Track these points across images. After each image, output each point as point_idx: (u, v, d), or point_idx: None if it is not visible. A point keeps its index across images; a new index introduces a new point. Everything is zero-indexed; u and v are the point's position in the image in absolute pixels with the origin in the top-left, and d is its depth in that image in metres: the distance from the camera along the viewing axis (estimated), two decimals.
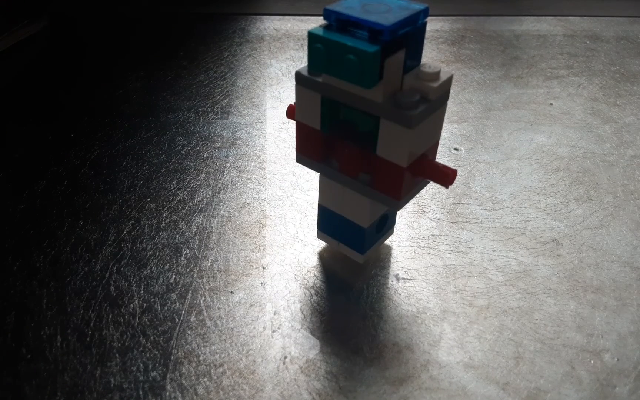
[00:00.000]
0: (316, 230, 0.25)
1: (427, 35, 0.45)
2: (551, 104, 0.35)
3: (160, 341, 0.20)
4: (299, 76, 0.19)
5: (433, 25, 0.47)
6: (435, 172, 0.19)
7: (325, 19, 0.17)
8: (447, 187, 0.19)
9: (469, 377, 0.19)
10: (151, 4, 0.48)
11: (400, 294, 0.22)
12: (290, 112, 0.22)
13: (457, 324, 0.21)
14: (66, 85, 0.37)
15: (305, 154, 0.21)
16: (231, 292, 0.22)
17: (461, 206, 0.27)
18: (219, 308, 0.21)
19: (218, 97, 0.37)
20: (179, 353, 0.19)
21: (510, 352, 0.20)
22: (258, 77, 0.39)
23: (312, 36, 0.17)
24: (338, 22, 0.17)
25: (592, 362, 0.20)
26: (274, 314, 0.21)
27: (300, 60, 0.40)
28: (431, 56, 0.42)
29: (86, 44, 0.43)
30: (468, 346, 0.20)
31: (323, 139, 0.20)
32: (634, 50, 0.42)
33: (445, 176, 0.19)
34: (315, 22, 0.46)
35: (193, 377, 0.19)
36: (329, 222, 0.23)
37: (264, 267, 0.23)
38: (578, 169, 0.29)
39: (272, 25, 0.45)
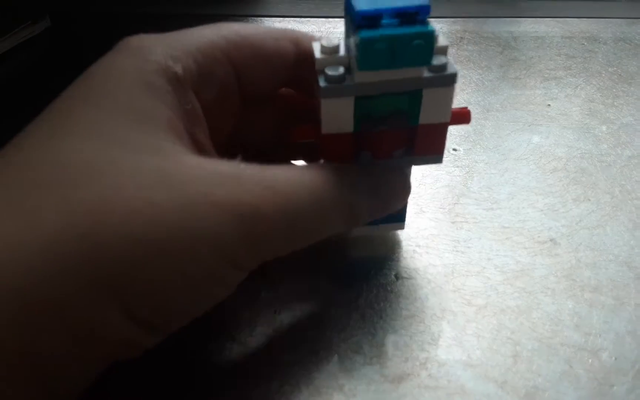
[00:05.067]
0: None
1: None
2: (549, 104, 0.35)
3: None
4: (327, 90, 0.18)
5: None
6: (458, 116, 0.21)
7: (358, 20, 0.17)
8: (469, 122, 0.21)
9: (467, 376, 0.19)
10: (152, 4, 0.49)
11: (399, 293, 0.22)
12: (303, 133, 0.20)
13: (456, 322, 0.21)
14: (68, 86, 0.37)
15: (335, 160, 0.20)
16: None
17: (460, 206, 0.27)
18: None
19: None
20: None
21: (509, 350, 0.20)
22: None
23: (369, 40, 0.16)
24: (369, 19, 0.17)
25: (590, 360, 0.20)
26: (275, 313, 0.21)
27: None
28: None
29: (88, 45, 0.43)
30: (466, 345, 0.20)
31: (353, 139, 0.19)
32: (632, 52, 0.42)
33: (465, 114, 0.21)
34: (316, 24, 0.46)
35: None
36: None
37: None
38: (576, 169, 0.30)
39: (272, 26, 0.45)
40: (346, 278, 0.23)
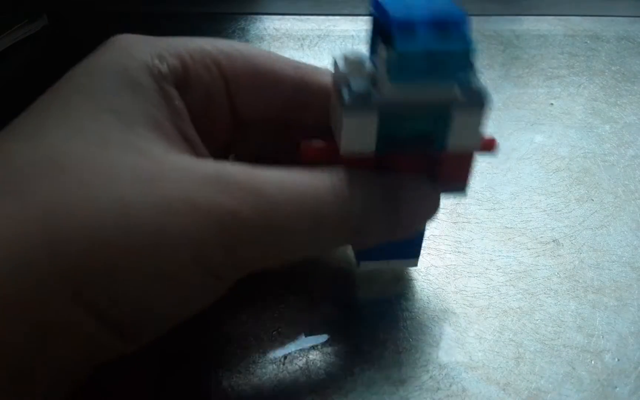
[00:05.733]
0: (353, 264, 0.23)
1: None
2: (552, 103, 0.35)
3: None
4: (351, 105, 0.16)
5: None
6: (483, 144, 0.19)
7: (392, 28, 0.15)
8: (494, 152, 0.19)
9: (469, 378, 0.19)
10: (152, 4, 0.48)
11: (400, 295, 0.22)
12: (315, 153, 0.18)
13: (458, 324, 0.21)
14: None
15: None
16: None
17: (461, 206, 0.27)
18: None
19: None
20: None
21: (511, 352, 0.20)
22: None
23: (405, 49, 0.15)
24: (404, 28, 0.15)
25: (593, 362, 0.20)
26: (274, 315, 0.21)
27: (300, 60, 0.40)
28: None
29: (86, 43, 0.42)
30: (468, 346, 0.20)
31: (375, 160, 0.17)
32: (635, 50, 0.42)
33: (490, 144, 0.19)
34: (316, 23, 0.46)
35: None
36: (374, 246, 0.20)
37: None
38: (579, 169, 0.29)
39: (272, 25, 0.45)
40: (346, 280, 0.23)
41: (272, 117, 0.20)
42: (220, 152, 0.19)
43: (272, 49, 0.42)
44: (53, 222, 0.12)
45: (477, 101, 0.17)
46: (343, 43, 0.41)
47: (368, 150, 0.17)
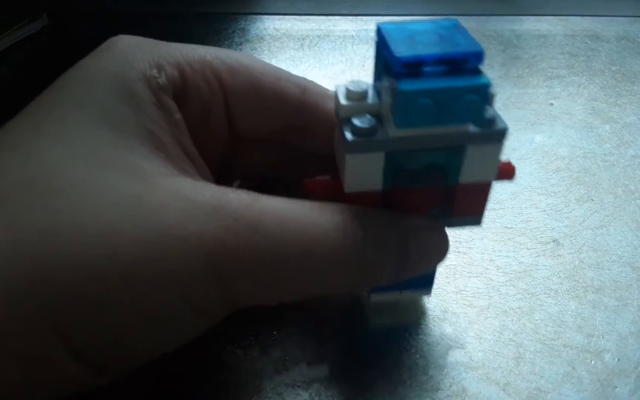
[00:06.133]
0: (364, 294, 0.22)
1: None
2: (552, 103, 0.35)
3: None
4: (354, 145, 0.15)
5: None
6: (501, 172, 0.17)
7: (397, 67, 0.14)
8: (512, 179, 0.18)
9: (469, 378, 0.19)
10: (151, 3, 0.48)
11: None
12: (320, 187, 0.17)
13: (458, 324, 0.21)
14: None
15: None
16: None
17: None
18: None
19: None
20: None
21: (511, 352, 0.20)
22: None
23: (411, 93, 0.13)
24: (410, 67, 0.14)
25: (593, 362, 0.20)
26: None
27: (300, 60, 0.40)
28: None
29: (86, 43, 0.43)
30: (468, 347, 0.20)
31: (382, 197, 0.16)
32: (635, 50, 0.42)
33: (509, 171, 0.18)
34: (316, 23, 0.46)
35: None
36: None
37: None
38: (579, 169, 0.29)
39: (272, 25, 0.45)
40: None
41: (273, 136, 0.19)
42: (217, 166, 0.19)
43: (272, 49, 0.42)
44: (39, 249, 0.12)
45: (494, 135, 0.15)
46: (343, 43, 0.41)
47: (374, 188, 0.16)
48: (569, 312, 0.21)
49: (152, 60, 0.16)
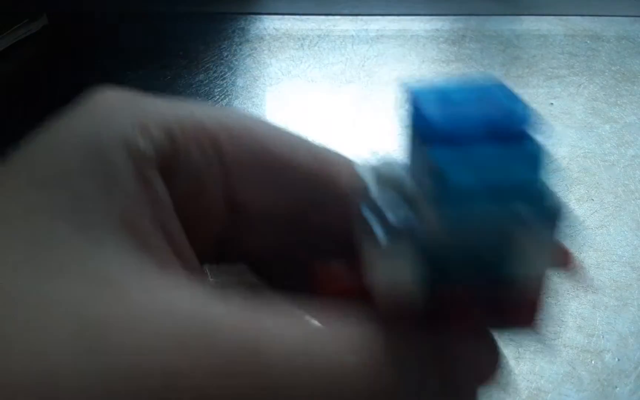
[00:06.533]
0: None
1: (427, 35, 0.45)
2: (552, 103, 0.35)
3: None
4: (388, 249, 0.11)
5: (433, 24, 0.47)
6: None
7: (430, 135, 0.11)
8: (571, 270, 0.12)
9: None
10: (151, 3, 0.48)
11: None
12: (334, 282, 0.13)
13: None
14: (65, 85, 0.37)
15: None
16: None
17: None
18: None
19: (218, 96, 0.37)
20: None
21: (511, 352, 0.20)
22: (258, 77, 0.39)
23: (464, 192, 0.10)
24: (448, 138, 0.11)
25: (593, 362, 0.20)
26: None
27: (300, 60, 0.40)
28: (431, 56, 0.42)
29: (85, 43, 0.43)
30: None
31: (418, 305, 0.12)
32: (635, 50, 0.42)
33: (569, 260, 0.14)
34: (316, 23, 0.46)
35: None
36: None
37: None
38: (579, 169, 0.29)
39: (272, 24, 0.45)
40: None
41: (282, 212, 0.15)
42: (211, 246, 0.15)
43: (272, 49, 0.42)
44: None
45: (549, 220, 0.11)
46: (343, 43, 0.41)
47: (406, 292, 0.12)
48: (569, 312, 0.21)
49: (136, 121, 0.13)
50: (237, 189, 0.15)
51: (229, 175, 0.14)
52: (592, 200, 0.27)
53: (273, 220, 0.16)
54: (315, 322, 0.11)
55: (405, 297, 0.12)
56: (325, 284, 0.13)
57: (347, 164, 0.15)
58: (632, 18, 0.46)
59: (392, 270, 0.11)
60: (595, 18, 0.46)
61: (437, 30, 0.45)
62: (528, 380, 0.19)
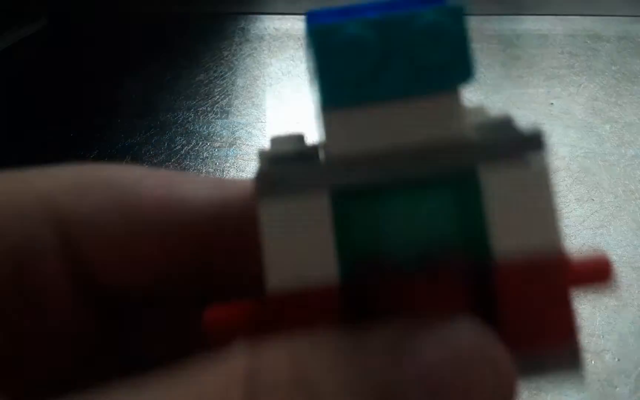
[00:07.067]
0: None
1: None
2: (552, 103, 0.35)
3: None
4: (268, 180, 0.08)
5: None
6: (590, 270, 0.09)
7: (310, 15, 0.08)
8: (608, 282, 0.08)
9: None
10: (151, 3, 0.48)
11: None
12: (223, 317, 0.08)
13: None
14: (65, 85, 0.37)
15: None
16: None
17: None
18: None
19: (218, 96, 0.37)
20: None
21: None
22: (258, 76, 0.39)
23: (328, 29, 0.08)
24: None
25: (593, 362, 0.20)
26: None
27: (300, 60, 0.40)
28: None
29: (85, 43, 0.43)
30: None
31: (340, 299, 0.08)
32: (635, 50, 0.42)
33: (605, 269, 0.08)
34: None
35: None
36: None
37: None
38: (579, 169, 0.29)
39: (272, 24, 0.45)
40: None
41: (159, 281, 0.10)
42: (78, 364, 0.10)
43: (272, 49, 0.42)
44: None
45: (525, 143, 0.08)
46: None
47: (325, 279, 0.08)
48: None
49: None
50: (90, 266, 0.10)
51: (71, 244, 0.10)
52: (592, 200, 0.27)
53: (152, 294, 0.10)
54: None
55: (311, 273, 0.08)
56: (210, 322, 0.08)
57: (243, 183, 0.10)
58: (632, 18, 0.46)
59: (280, 220, 0.08)
60: (595, 18, 0.46)
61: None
62: (528, 380, 0.19)
